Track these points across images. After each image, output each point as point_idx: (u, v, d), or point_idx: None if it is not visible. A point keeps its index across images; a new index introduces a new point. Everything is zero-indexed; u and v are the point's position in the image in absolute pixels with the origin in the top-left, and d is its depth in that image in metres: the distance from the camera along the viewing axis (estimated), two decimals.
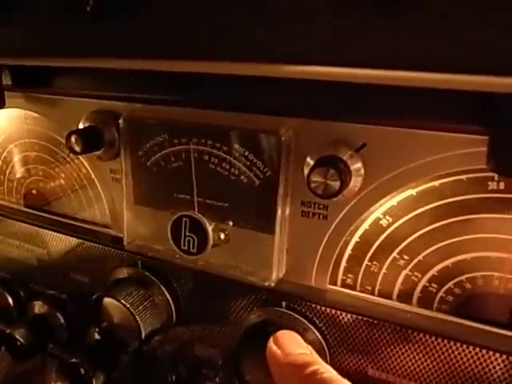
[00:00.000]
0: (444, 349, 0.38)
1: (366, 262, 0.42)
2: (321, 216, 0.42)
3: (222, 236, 0.46)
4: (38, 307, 0.61)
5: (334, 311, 0.42)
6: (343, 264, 0.43)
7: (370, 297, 0.43)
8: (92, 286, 0.56)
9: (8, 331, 0.59)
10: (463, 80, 0.27)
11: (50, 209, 0.62)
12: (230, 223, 0.45)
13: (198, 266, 0.47)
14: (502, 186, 0.36)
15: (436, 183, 0.38)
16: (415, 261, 0.40)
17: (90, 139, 0.48)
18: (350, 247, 0.43)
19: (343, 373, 0.36)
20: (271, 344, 0.39)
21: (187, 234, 0.46)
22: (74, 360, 0.53)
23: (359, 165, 0.38)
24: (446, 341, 0.38)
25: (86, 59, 0.41)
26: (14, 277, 0.65)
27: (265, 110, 0.41)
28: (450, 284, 0.40)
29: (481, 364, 0.37)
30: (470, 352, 0.37)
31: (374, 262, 0.42)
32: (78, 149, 0.47)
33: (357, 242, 0.42)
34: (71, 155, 0.56)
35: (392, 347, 0.40)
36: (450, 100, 0.33)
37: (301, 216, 0.42)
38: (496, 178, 0.36)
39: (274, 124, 0.40)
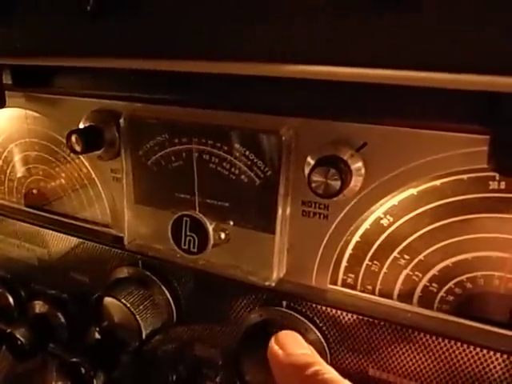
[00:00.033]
0: (445, 348, 0.38)
1: (366, 261, 0.42)
2: (321, 216, 0.42)
3: (223, 236, 0.46)
4: (39, 307, 0.61)
5: (334, 311, 0.42)
6: (344, 264, 0.43)
7: (370, 296, 0.43)
8: (92, 286, 0.56)
9: (9, 331, 0.59)
10: (463, 80, 0.27)
11: (51, 208, 0.62)
12: (231, 223, 0.45)
13: (198, 266, 0.47)
14: (502, 185, 0.36)
15: (437, 183, 0.38)
16: (416, 260, 0.40)
17: (91, 139, 0.48)
18: (350, 247, 0.43)
19: (344, 373, 0.36)
20: (273, 344, 0.39)
21: (188, 233, 0.46)
22: (74, 359, 0.54)
23: (360, 164, 0.38)
24: (446, 340, 0.38)
25: (86, 59, 0.41)
26: (14, 276, 0.65)
27: (265, 109, 0.41)
28: (451, 284, 0.40)
29: (481, 364, 0.37)
30: (470, 352, 0.37)
31: (375, 262, 0.42)
32: (78, 148, 0.47)
33: (357, 242, 0.42)
34: (72, 155, 0.56)
35: (393, 347, 0.40)
36: (451, 99, 0.33)
37: (301, 216, 0.42)
38: (497, 178, 0.36)
39: (275, 124, 0.40)
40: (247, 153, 0.42)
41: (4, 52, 0.45)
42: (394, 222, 0.40)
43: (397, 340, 0.40)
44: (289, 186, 0.41)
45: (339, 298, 0.43)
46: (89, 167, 0.55)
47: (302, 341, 0.41)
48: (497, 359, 0.37)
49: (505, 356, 0.36)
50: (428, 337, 0.39)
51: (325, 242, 0.42)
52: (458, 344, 0.38)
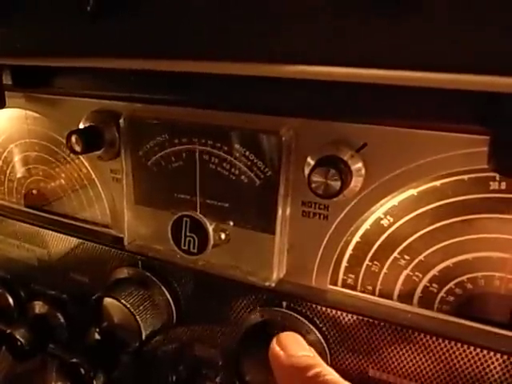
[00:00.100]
0: (445, 349, 0.38)
1: (366, 262, 0.42)
2: (321, 216, 0.41)
3: (223, 236, 0.46)
4: (39, 307, 0.61)
5: (334, 311, 0.42)
6: (344, 264, 0.43)
7: (370, 297, 0.43)
8: (92, 286, 0.56)
9: (8, 331, 0.59)
10: (463, 80, 0.27)
11: (51, 209, 0.62)
12: (231, 223, 0.45)
13: (198, 266, 0.47)
14: (503, 186, 0.36)
15: (437, 183, 0.38)
16: (416, 261, 0.40)
17: (91, 139, 0.48)
18: (350, 247, 0.42)
19: (344, 373, 0.36)
20: (274, 345, 0.39)
21: (188, 234, 0.46)
22: (74, 360, 0.53)
23: (360, 165, 0.38)
24: (446, 341, 0.38)
25: (86, 59, 0.41)
26: (14, 277, 0.65)
27: (265, 110, 0.41)
28: (451, 284, 0.40)
29: (482, 364, 0.37)
30: (470, 352, 0.37)
31: (375, 262, 0.42)
32: (78, 149, 0.47)
33: (358, 242, 0.42)
34: (72, 155, 0.56)
35: (393, 347, 0.40)
36: (451, 100, 0.33)
37: (301, 216, 0.42)
38: (497, 178, 0.36)
39: (275, 124, 0.40)
40: (247, 153, 0.42)
41: (4, 52, 0.45)
42: (394, 223, 0.40)
43: (397, 341, 0.40)
44: (289, 187, 0.41)
45: (339, 298, 0.43)
46: (89, 168, 0.55)
47: (304, 342, 0.41)
48: (497, 360, 0.37)
49: (505, 357, 0.36)
50: (428, 337, 0.39)
51: (325, 242, 0.42)
52: (459, 345, 0.38)
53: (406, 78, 0.29)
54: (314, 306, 0.43)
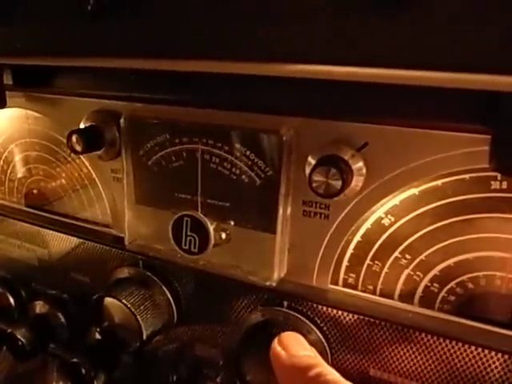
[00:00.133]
0: (446, 349, 0.38)
1: (367, 261, 0.42)
2: (322, 215, 0.41)
3: (224, 236, 0.46)
4: (39, 307, 0.61)
5: (335, 311, 0.42)
6: (345, 263, 0.43)
7: (371, 296, 0.43)
8: (93, 286, 0.56)
9: (9, 331, 0.59)
10: (463, 79, 0.27)
11: (51, 208, 0.62)
12: (232, 223, 0.45)
13: (199, 266, 0.47)
14: (504, 185, 0.36)
15: (438, 182, 0.37)
16: (417, 260, 0.40)
17: (91, 139, 0.48)
18: (351, 246, 0.42)
19: (345, 373, 0.36)
20: (275, 345, 0.39)
21: (188, 233, 0.46)
22: (74, 360, 0.54)
23: (361, 164, 0.38)
24: (447, 341, 0.38)
25: (86, 59, 0.41)
26: (15, 276, 0.65)
27: (266, 109, 0.41)
28: (452, 284, 0.40)
29: (483, 364, 0.37)
30: (471, 352, 0.37)
31: (376, 262, 0.42)
32: (78, 148, 0.47)
33: (358, 242, 0.42)
34: (72, 155, 0.56)
35: (393, 347, 0.40)
36: (452, 99, 0.33)
37: (302, 215, 0.42)
38: (499, 178, 0.36)
39: (275, 123, 0.40)
40: (248, 153, 0.42)
41: (4, 52, 0.45)
42: (395, 222, 0.40)
43: (398, 340, 0.40)
44: (289, 186, 0.41)
45: (340, 298, 0.43)
46: (89, 167, 0.55)
47: (305, 342, 0.41)
48: (498, 359, 0.37)
49: (506, 356, 0.36)
50: (429, 337, 0.39)
51: (326, 241, 0.42)
52: (460, 344, 0.38)
53: (406, 77, 0.29)
54: (314, 305, 0.43)
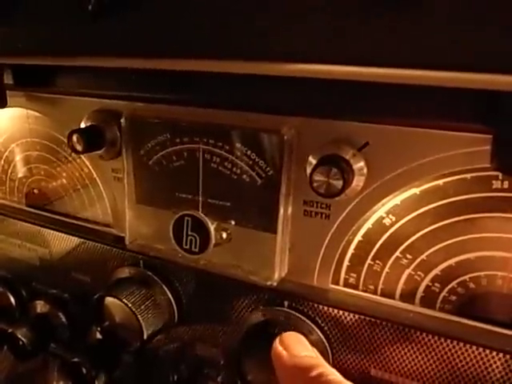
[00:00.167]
0: (447, 349, 0.38)
1: (368, 261, 0.42)
2: (323, 215, 0.41)
3: (224, 235, 0.46)
4: (40, 307, 0.61)
5: (336, 311, 0.42)
6: (346, 263, 0.43)
7: (372, 296, 0.43)
8: (94, 286, 0.56)
9: (10, 330, 0.59)
10: (463, 78, 0.27)
11: (52, 208, 0.62)
12: (232, 222, 0.45)
13: (199, 266, 0.47)
14: (506, 184, 0.36)
15: (440, 182, 0.37)
16: (418, 260, 0.40)
17: (92, 138, 0.48)
18: (352, 246, 0.42)
19: (346, 373, 0.36)
20: (277, 345, 0.39)
21: (189, 233, 0.46)
22: (75, 359, 0.54)
23: (362, 164, 0.38)
24: (449, 341, 0.38)
25: (87, 58, 0.41)
26: (15, 276, 0.65)
27: (266, 108, 0.41)
28: (454, 283, 0.40)
29: (484, 364, 0.37)
30: (473, 352, 0.37)
31: (377, 262, 0.42)
32: (79, 148, 0.47)
33: (359, 241, 0.42)
34: (73, 154, 0.56)
35: (394, 347, 0.40)
36: (454, 98, 0.33)
37: (303, 215, 0.42)
38: (500, 177, 0.36)
39: (276, 123, 0.40)
40: (249, 152, 0.42)
41: (5, 52, 0.45)
42: (396, 222, 0.40)
43: (399, 340, 0.40)
44: (290, 186, 0.41)
45: (341, 297, 0.43)
46: (90, 167, 0.55)
47: (306, 342, 0.41)
48: (499, 359, 0.37)
49: (508, 356, 0.36)
50: (430, 337, 0.39)
51: (327, 241, 0.42)
52: (461, 344, 0.38)
53: (407, 77, 0.29)
54: (315, 305, 0.43)
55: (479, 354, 0.37)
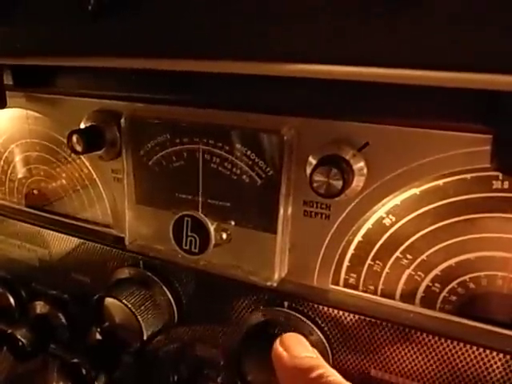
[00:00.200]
0: (447, 349, 0.38)
1: (368, 261, 0.42)
2: (323, 215, 0.41)
3: (224, 236, 0.45)
4: (40, 307, 0.61)
5: (336, 311, 0.42)
6: (346, 264, 0.43)
7: (372, 297, 0.43)
8: (93, 286, 0.56)
9: (10, 331, 0.59)
10: (463, 78, 0.27)
11: (52, 209, 0.62)
12: (232, 223, 0.45)
13: (199, 266, 0.47)
14: (506, 185, 0.36)
15: (440, 182, 0.37)
16: (418, 260, 0.40)
17: (92, 139, 0.48)
18: (352, 247, 0.42)
19: (346, 373, 0.36)
20: (277, 346, 0.39)
21: (189, 233, 0.46)
22: (75, 360, 0.53)
23: (362, 164, 0.38)
24: (449, 341, 0.38)
25: (87, 58, 0.41)
26: (15, 277, 0.65)
27: (266, 109, 0.41)
28: (454, 284, 0.40)
29: (484, 364, 0.37)
30: (473, 352, 0.37)
31: (377, 262, 0.42)
32: (79, 148, 0.47)
33: (359, 242, 0.42)
34: (73, 155, 0.56)
35: (395, 347, 0.40)
36: (454, 99, 0.33)
37: (303, 215, 0.42)
38: (500, 177, 0.36)
39: (276, 123, 0.40)
40: (248, 152, 0.42)
41: (5, 52, 0.45)
42: (396, 222, 0.40)
43: (399, 340, 0.40)
44: (290, 186, 0.41)
45: (341, 298, 0.43)
46: (90, 167, 0.55)
47: (307, 343, 0.41)
48: (500, 360, 0.37)
49: (508, 356, 0.36)
50: (430, 337, 0.39)
51: (327, 241, 0.42)
52: (461, 344, 0.38)
53: (407, 77, 0.29)
54: (315, 305, 0.43)
55: (479, 354, 0.37)
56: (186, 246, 0.46)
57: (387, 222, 0.40)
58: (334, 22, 0.30)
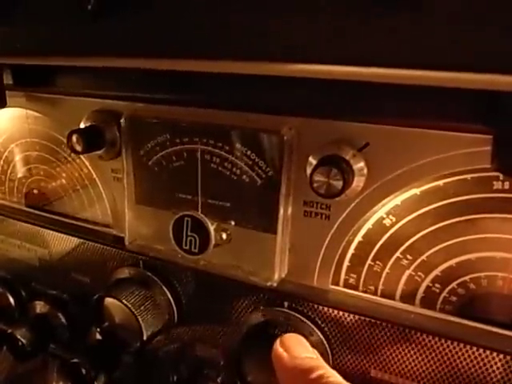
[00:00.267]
0: (447, 350, 0.38)
1: (368, 261, 0.42)
2: (323, 216, 0.41)
3: (224, 236, 0.45)
4: (40, 307, 0.61)
5: (336, 312, 0.42)
6: (346, 264, 0.43)
7: (372, 297, 0.43)
8: (93, 286, 0.56)
9: (9, 331, 0.59)
10: (463, 78, 0.27)
11: (52, 208, 0.62)
12: (232, 223, 0.45)
13: (199, 266, 0.47)
14: (506, 185, 0.36)
15: (440, 183, 0.37)
16: (419, 261, 0.40)
17: (92, 139, 0.48)
18: (352, 247, 0.42)
19: (346, 374, 0.36)
20: (277, 346, 0.39)
21: (189, 233, 0.46)
22: (75, 360, 0.53)
23: (362, 164, 0.38)
24: (449, 341, 0.38)
25: (87, 58, 0.41)
26: (15, 276, 0.65)
27: (266, 109, 0.41)
28: (454, 284, 0.40)
29: (484, 365, 0.37)
30: (473, 353, 0.37)
31: (377, 262, 0.42)
32: (79, 148, 0.47)
33: (360, 242, 0.42)
34: (72, 155, 0.56)
35: (395, 348, 0.40)
36: (454, 99, 0.33)
37: (303, 216, 0.42)
38: (501, 178, 0.36)
39: (276, 123, 0.40)
40: (249, 153, 0.42)
41: (5, 52, 0.44)
42: (396, 222, 0.40)
43: (399, 341, 0.40)
44: (290, 186, 0.41)
45: (341, 298, 0.43)
46: (89, 167, 0.55)
47: (307, 344, 0.41)
48: (500, 360, 0.36)
49: (508, 357, 0.36)
50: (431, 338, 0.38)
51: (327, 242, 0.42)
52: (461, 345, 0.38)
53: (407, 77, 0.28)
54: (315, 306, 0.43)
55: (479, 355, 0.37)
56: (185, 245, 0.46)
57: (387, 222, 0.40)
58: (334, 22, 0.30)
